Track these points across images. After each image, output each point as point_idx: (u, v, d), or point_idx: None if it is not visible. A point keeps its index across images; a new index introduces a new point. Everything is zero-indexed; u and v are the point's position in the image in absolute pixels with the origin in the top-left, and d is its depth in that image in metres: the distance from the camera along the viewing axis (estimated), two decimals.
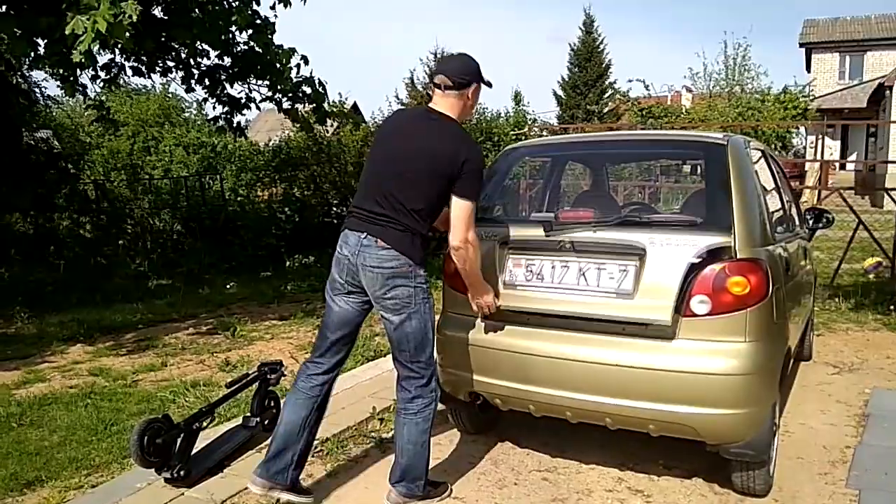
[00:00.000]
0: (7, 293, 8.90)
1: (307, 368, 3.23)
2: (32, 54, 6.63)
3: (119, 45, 6.39)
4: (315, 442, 3.79)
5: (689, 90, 30.13)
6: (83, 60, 5.69)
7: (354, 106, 24.24)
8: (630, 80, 37.78)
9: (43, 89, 16.58)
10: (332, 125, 13.54)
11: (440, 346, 3.66)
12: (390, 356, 3.27)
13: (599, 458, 3.70)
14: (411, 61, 46.52)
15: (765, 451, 3.12)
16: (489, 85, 3.15)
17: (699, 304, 3.01)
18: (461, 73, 3.03)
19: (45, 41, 6.34)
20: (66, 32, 5.55)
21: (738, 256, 3.02)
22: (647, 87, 21.56)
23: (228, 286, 10.28)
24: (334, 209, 13.92)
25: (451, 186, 2.93)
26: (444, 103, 3.05)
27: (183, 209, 14.04)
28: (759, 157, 4.07)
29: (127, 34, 5.61)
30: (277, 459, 3.12)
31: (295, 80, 8.11)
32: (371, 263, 2.96)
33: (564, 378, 3.22)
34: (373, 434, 4.10)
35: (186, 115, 27.88)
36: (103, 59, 7.61)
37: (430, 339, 3.10)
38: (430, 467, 3.21)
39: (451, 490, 3.35)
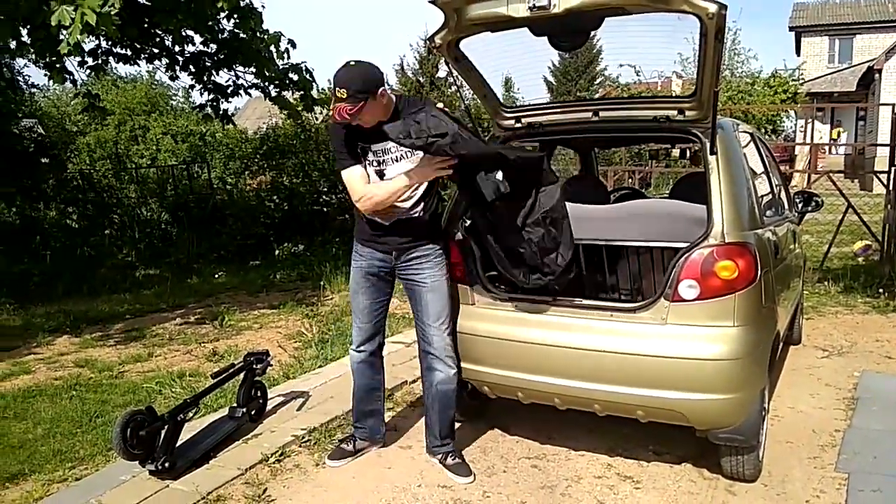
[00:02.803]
0: None
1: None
2: (15, 42, 6.50)
3: (104, 33, 6.27)
4: (302, 432, 3.78)
5: (679, 76, 29.95)
6: (71, 50, 5.59)
7: None
8: (621, 66, 37.56)
9: (26, 77, 16.43)
10: (320, 112, 13.37)
11: None
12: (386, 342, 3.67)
13: (588, 445, 3.68)
14: (401, 48, 46.23)
15: (754, 435, 3.11)
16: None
17: (687, 288, 2.98)
18: None
19: (28, 27, 6.21)
20: (52, 23, 5.45)
21: (727, 240, 2.99)
22: (637, 72, 21.40)
23: (217, 275, 10.20)
24: (323, 197, 13.77)
25: None
26: None
27: (170, 198, 13.89)
28: (749, 141, 4.04)
29: (113, 26, 5.52)
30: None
31: (282, 67, 8.02)
32: None
33: (552, 365, 3.20)
34: None
35: (174, 103, 27.71)
36: (89, 45, 7.50)
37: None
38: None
39: None
